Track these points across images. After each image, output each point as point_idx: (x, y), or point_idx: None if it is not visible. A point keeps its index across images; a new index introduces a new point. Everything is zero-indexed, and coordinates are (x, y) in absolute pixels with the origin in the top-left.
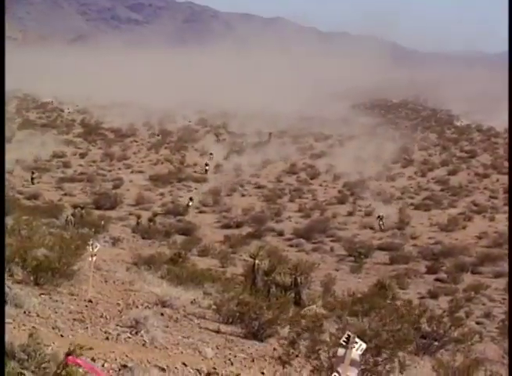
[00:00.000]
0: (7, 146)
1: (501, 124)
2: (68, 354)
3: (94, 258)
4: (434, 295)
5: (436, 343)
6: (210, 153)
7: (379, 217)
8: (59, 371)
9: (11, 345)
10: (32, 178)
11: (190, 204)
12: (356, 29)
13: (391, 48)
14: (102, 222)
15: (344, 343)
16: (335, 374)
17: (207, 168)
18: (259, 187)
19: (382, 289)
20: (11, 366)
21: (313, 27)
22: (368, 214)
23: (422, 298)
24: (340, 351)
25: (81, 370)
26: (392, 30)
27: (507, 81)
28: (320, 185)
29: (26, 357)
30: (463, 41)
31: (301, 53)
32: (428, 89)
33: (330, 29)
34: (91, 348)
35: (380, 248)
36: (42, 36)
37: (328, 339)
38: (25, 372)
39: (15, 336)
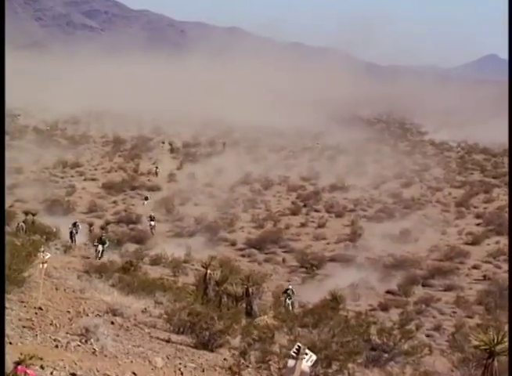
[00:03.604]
0: None
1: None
2: (18, 363)
3: (45, 266)
4: (384, 308)
5: (386, 355)
6: (156, 167)
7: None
8: None
9: None
10: None
11: (145, 203)
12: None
13: (362, 62)
14: (54, 229)
15: (294, 354)
16: None
17: (157, 170)
18: (212, 197)
19: (333, 301)
20: None
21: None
22: (321, 225)
23: (373, 309)
24: (291, 362)
25: None
26: (364, 45)
27: (507, 82)
28: (274, 195)
29: None
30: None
31: (264, 64)
32: (397, 103)
33: (298, 40)
34: (41, 359)
35: (332, 260)
36: None
37: (278, 350)
38: None
39: None
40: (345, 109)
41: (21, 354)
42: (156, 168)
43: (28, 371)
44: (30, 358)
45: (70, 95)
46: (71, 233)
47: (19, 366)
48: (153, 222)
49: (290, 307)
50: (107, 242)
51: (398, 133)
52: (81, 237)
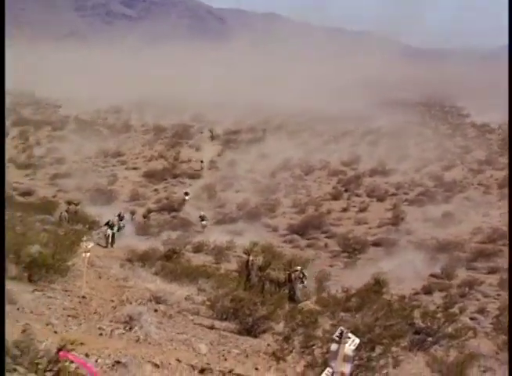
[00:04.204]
0: None
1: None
2: (59, 349)
3: (88, 255)
4: (428, 291)
5: (430, 338)
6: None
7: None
8: (50, 367)
9: (4, 341)
10: None
11: (186, 198)
12: (364, 25)
13: (403, 45)
14: (97, 219)
15: (337, 338)
16: (328, 369)
17: (202, 164)
18: (254, 183)
19: (376, 285)
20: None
21: (322, 24)
22: (362, 210)
23: (416, 293)
24: (334, 346)
25: (72, 365)
26: (405, 28)
27: (507, 80)
28: (315, 181)
29: (19, 353)
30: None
31: (304, 49)
32: (438, 86)
33: (338, 25)
34: (82, 344)
35: (375, 244)
36: (37, 32)
37: (322, 335)
38: (18, 368)
39: (8, 332)
40: (386, 92)
41: (62, 340)
42: (201, 161)
43: (70, 356)
44: (72, 343)
45: (111, 84)
46: (118, 226)
47: (60, 352)
48: (204, 222)
49: (300, 291)
50: (116, 226)
51: (439, 116)
52: (127, 227)
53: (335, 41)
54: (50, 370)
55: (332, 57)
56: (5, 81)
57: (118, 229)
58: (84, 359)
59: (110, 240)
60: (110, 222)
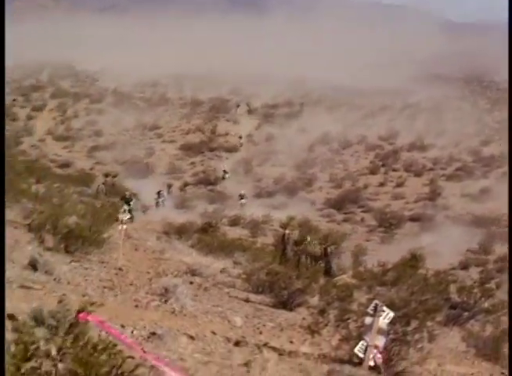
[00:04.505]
0: (39, 115)
1: None
2: (79, 312)
3: (125, 227)
4: (464, 266)
5: (466, 313)
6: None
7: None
8: (71, 329)
9: (40, 312)
10: None
11: (226, 176)
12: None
13: (441, 19)
14: (133, 191)
15: (371, 312)
16: (363, 342)
17: (241, 141)
18: (291, 157)
19: (412, 259)
20: (40, 332)
21: None
22: (400, 185)
23: (452, 268)
24: (368, 320)
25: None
26: (442, 2)
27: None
28: (352, 155)
29: (55, 323)
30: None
31: (343, 23)
32: (477, 60)
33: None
34: (101, 305)
35: (412, 219)
36: (78, 3)
37: (357, 309)
38: (54, 338)
39: (44, 303)
40: (425, 67)
41: (81, 303)
42: (240, 137)
43: (90, 317)
44: (91, 304)
45: (149, 57)
46: (157, 203)
47: (80, 314)
48: (243, 200)
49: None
50: (133, 200)
51: (478, 91)
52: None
53: (374, 15)
54: (70, 333)
55: (371, 31)
56: (5, 81)
57: (157, 204)
58: (104, 320)
59: (128, 215)
60: (127, 196)
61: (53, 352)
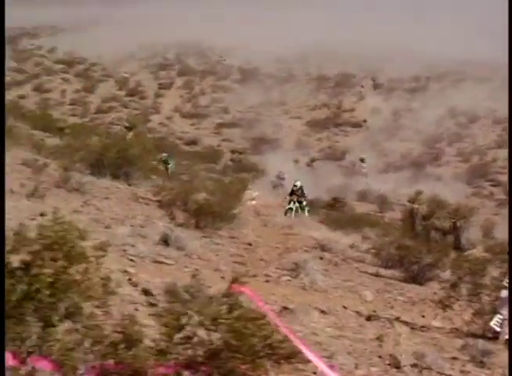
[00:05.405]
0: (168, 93)
1: None
2: (232, 282)
3: (254, 203)
4: None
5: None
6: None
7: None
8: (224, 299)
9: (174, 286)
10: None
11: (364, 165)
12: None
13: None
14: (261, 167)
15: (507, 285)
16: (499, 315)
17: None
18: (417, 132)
19: None
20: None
21: None
22: None
23: None
24: (504, 293)
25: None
26: None
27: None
28: (479, 129)
29: (189, 298)
30: None
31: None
32: None
33: None
34: (254, 276)
35: None
36: None
37: (489, 283)
38: (189, 312)
39: (177, 277)
40: None
41: (235, 274)
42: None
43: (243, 289)
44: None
45: (274, 34)
46: (274, 185)
47: (233, 285)
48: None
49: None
50: (171, 161)
51: None
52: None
53: None
54: (223, 303)
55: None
56: (4, 81)
57: (274, 187)
58: (256, 293)
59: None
60: (164, 158)
61: (206, 322)
